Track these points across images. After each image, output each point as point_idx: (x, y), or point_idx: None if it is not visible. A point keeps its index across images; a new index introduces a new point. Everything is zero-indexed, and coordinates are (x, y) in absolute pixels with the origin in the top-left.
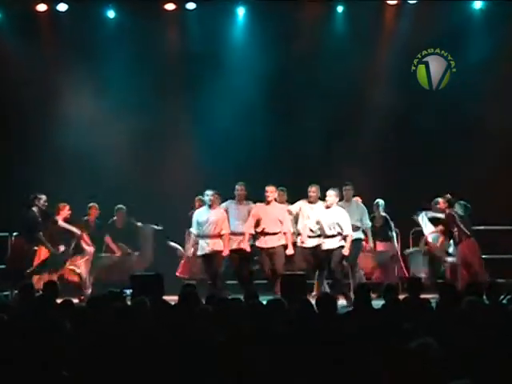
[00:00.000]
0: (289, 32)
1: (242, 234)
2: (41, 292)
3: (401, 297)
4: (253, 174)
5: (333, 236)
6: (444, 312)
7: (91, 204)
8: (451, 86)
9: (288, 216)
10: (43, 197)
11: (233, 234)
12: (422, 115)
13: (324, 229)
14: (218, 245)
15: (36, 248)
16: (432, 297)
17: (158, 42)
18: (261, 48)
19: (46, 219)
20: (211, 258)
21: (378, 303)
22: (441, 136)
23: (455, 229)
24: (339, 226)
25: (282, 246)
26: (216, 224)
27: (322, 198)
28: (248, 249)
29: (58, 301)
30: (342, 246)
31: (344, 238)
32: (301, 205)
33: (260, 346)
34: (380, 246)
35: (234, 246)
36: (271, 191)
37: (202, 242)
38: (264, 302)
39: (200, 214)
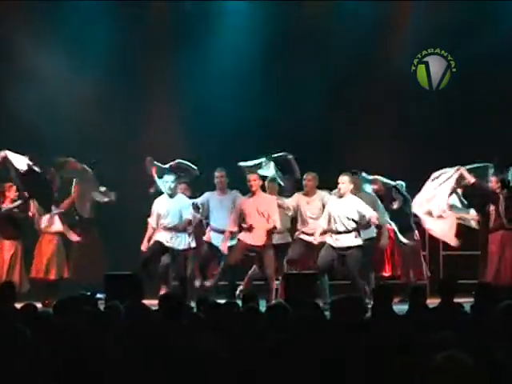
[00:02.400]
0: None
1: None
2: None
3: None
4: (245, 146)
5: (347, 232)
6: (479, 319)
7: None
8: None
9: (277, 209)
10: None
11: (216, 230)
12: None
13: (336, 223)
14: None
15: None
16: (466, 300)
17: None
18: (260, 7)
19: None
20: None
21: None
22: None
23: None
24: (356, 218)
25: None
26: (180, 214)
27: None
28: (226, 251)
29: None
30: (360, 246)
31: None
32: (298, 198)
33: (259, 359)
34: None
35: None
36: (254, 179)
37: (165, 235)
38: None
39: (159, 204)
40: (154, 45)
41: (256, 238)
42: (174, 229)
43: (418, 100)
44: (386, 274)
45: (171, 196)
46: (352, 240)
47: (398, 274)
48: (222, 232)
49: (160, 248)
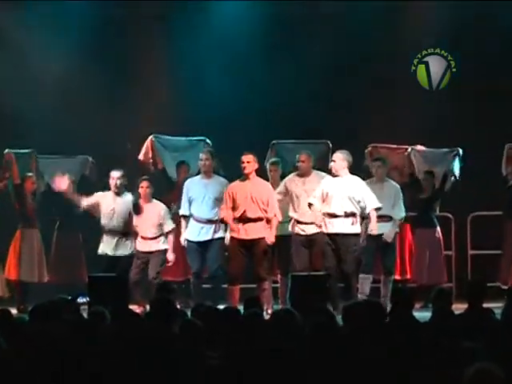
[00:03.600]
0: None
1: (209, 221)
2: None
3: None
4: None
5: (343, 216)
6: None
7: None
8: None
9: (275, 195)
10: None
11: (198, 220)
12: None
13: (331, 205)
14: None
15: None
16: (497, 306)
17: None
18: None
19: None
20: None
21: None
22: None
23: None
24: (355, 200)
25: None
26: (125, 216)
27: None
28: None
29: None
30: (357, 234)
31: (362, 218)
32: (286, 182)
33: (263, 371)
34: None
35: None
36: (248, 161)
37: (108, 245)
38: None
39: (103, 202)
40: (151, 25)
41: (249, 231)
42: (119, 233)
43: (418, 100)
44: (397, 277)
45: (118, 194)
46: (348, 227)
47: (408, 278)
48: (205, 222)
49: (109, 263)
